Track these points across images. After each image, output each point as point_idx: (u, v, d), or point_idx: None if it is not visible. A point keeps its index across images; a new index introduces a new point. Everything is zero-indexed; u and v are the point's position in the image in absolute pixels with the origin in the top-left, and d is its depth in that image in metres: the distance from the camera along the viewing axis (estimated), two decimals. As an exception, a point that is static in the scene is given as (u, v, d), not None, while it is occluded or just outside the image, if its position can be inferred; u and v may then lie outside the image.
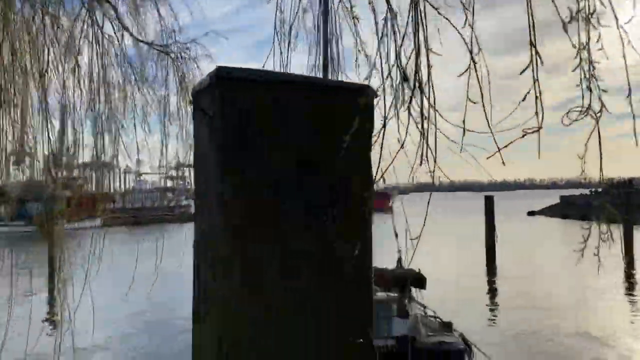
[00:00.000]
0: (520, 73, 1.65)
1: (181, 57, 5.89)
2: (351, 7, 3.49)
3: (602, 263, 2.13)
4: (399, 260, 11.50)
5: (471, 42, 1.68)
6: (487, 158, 1.72)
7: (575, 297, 17.20)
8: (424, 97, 1.77)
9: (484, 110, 1.71)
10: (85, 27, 5.14)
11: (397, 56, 1.88)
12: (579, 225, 2.33)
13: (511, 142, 1.70)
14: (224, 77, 1.94)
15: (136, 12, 5.73)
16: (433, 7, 1.73)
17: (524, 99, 1.68)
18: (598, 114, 1.96)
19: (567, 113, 1.93)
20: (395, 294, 10.48)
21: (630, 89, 1.83)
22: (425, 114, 1.76)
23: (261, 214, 1.98)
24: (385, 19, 1.97)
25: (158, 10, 5.65)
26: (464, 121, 1.75)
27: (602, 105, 1.94)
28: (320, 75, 4.39)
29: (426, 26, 1.74)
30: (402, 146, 1.75)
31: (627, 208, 28.07)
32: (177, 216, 52.76)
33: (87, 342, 10.97)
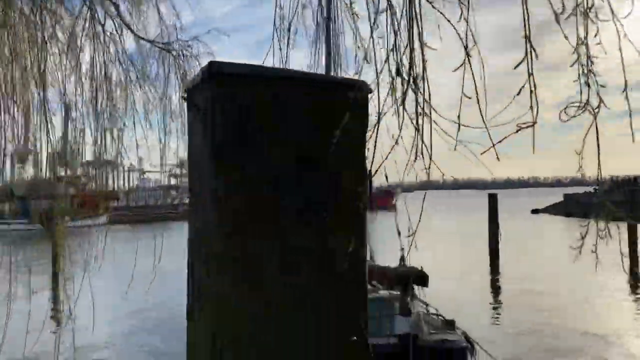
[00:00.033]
0: (515, 67, 1.64)
1: (183, 54, 5.89)
2: (351, 4, 3.48)
3: (601, 261, 2.12)
4: (402, 258, 11.49)
5: (466, 36, 1.67)
6: (482, 153, 1.70)
7: (578, 296, 17.16)
8: (418, 92, 1.75)
9: (479, 106, 1.70)
10: (86, 24, 5.15)
11: (397, 50, 1.86)
12: (583, 224, 2.32)
13: (505, 137, 1.68)
14: (216, 72, 1.93)
15: (137, 9, 5.74)
16: (427, 0, 1.71)
17: (518, 93, 1.67)
18: (596, 110, 1.95)
19: (565, 109, 1.92)
20: (398, 292, 10.47)
21: (626, 83, 1.82)
22: (421, 109, 1.75)
23: (256, 210, 1.97)
24: (387, 14, 1.95)
25: (158, 9, 5.65)
26: (458, 116, 1.73)
27: (600, 100, 1.93)
28: (322, 72, 4.37)
29: (421, 19, 1.73)
30: (396, 142, 1.73)
31: (631, 206, 27.99)
32: (181, 214, 52.86)
33: (89, 340, 11.01)
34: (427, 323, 9.24)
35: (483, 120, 1.68)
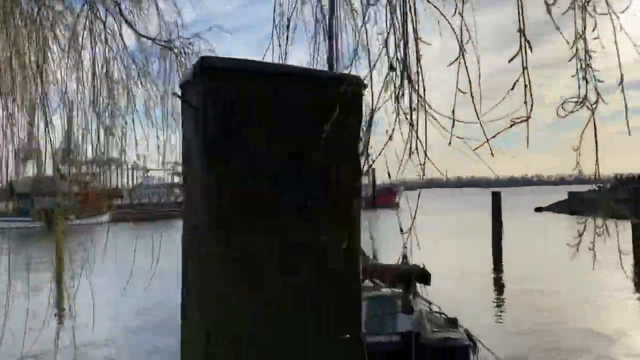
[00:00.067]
0: (509, 61, 1.62)
1: (184, 52, 5.90)
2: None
3: (605, 259, 2.10)
4: (404, 256, 11.47)
5: (461, 30, 1.65)
6: (475, 149, 1.69)
7: (582, 294, 17.10)
8: (412, 88, 1.73)
9: (472, 100, 1.68)
10: (87, 22, 5.14)
11: (397, 46, 1.84)
12: (581, 221, 2.30)
13: (499, 132, 1.67)
14: (208, 67, 1.91)
15: (139, 7, 5.73)
16: (421, -6, 1.70)
17: (512, 88, 1.65)
18: (594, 106, 1.93)
19: (563, 104, 1.90)
20: (400, 290, 10.45)
21: (622, 76, 1.80)
22: (415, 105, 1.73)
23: (247, 206, 1.96)
24: (386, 9, 1.94)
25: (157, 6, 5.65)
26: (453, 111, 1.71)
27: (598, 95, 1.91)
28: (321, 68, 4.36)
29: (415, 14, 1.71)
30: (390, 137, 1.72)
31: (636, 204, 27.84)
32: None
33: (90, 338, 11.03)
34: (429, 321, 9.23)
35: (477, 116, 1.66)
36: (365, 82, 1.92)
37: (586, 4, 1.87)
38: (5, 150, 5.07)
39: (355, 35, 3.53)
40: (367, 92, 2.04)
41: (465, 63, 1.65)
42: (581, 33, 1.87)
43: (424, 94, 1.72)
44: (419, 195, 1.90)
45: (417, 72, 1.73)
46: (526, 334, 12.96)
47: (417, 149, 1.75)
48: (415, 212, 1.80)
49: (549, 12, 1.64)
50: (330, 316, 2.01)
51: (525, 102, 1.64)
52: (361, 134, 2.00)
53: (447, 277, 17.58)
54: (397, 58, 1.75)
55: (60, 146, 6.06)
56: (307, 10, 3.96)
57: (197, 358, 1.94)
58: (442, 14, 1.65)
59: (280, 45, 3.57)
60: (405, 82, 1.71)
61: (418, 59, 1.73)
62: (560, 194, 68.24)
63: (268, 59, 3.62)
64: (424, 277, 10.81)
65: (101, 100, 5.38)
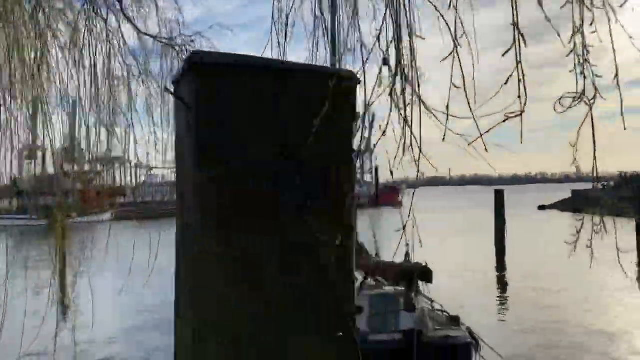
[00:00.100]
0: (503, 55, 1.60)
1: (186, 50, 5.89)
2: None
3: (602, 257, 2.09)
4: (407, 254, 11.44)
5: (455, 25, 1.63)
6: (469, 144, 1.67)
7: (585, 292, 17.05)
8: (406, 83, 1.72)
9: (466, 96, 1.67)
10: (89, 20, 5.14)
11: (398, 41, 1.82)
12: (584, 219, 2.29)
13: (493, 127, 1.65)
14: (198, 62, 1.90)
15: (140, 5, 5.73)
16: (415, -12, 1.68)
17: (506, 82, 1.64)
18: (592, 101, 1.91)
19: (560, 99, 1.88)
20: (403, 288, 10.43)
21: (617, 69, 1.78)
22: (412, 100, 1.71)
23: (239, 205, 1.94)
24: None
25: (156, 4, 5.65)
26: (447, 107, 1.70)
27: (596, 90, 1.89)
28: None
29: (409, 7, 1.69)
30: (383, 133, 1.70)
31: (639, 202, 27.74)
32: (187, 210, 52.75)
33: (90, 336, 11.05)
34: (431, 319, 9.22)
35: (470, 111, 1.64)
36: (359, 77, 1.90)
37: (584, -3, 1.86)
38: (8, 148, 5.08)
39: (353, 31, 3.54)
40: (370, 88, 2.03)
41: (459, 58, 1.64)
42: (579, 27, 1.85)
43: (419, 89, 1.71)
44: (413, 193, 1.88)
45: (411, 65, 1.72)
46: (529, 332, 12.93)
47: (411, 144, 1.73)
48: (410, 211, 1.78)
49: (540, 4, 1.62)
50: (323, 315, 2.00)
51: (519, 97, 1.62)
52: (354, 129, 1.99)
53: (449, 275, 17.56)
54: (388, 42, 1.71)
55: (63, 144, 6.07)
56: (306, 6, 3.96)
57: (189, 356, 1.93)
58: (435, 8, 1.64)
59: (279, 43, 3.56)
60: (399, 76, 1.69)
61: (412, 53, 1.71)
62: (564, 192, 68.03)
63: (267, 55, 3.61)
64: (426, 275, 10.77)
65: (103, 98, 5.38)
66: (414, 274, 10.48)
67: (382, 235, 17.59)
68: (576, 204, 54.56)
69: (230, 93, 1.95)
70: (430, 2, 1.65)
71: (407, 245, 10.78)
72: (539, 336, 12.60)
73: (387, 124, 1.66)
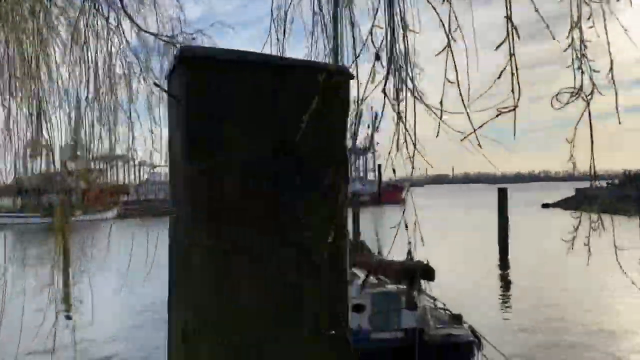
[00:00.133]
0: (496, 48, 1.58)
1: (187, 48, 5.87)
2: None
3: (592, 253, 2.07)
4: (409, 252, 11.42)
5: (449, 19, 1.61)
6: (461, 140, 1.65)
7: (589, 292, 17.00)
8: (400, 78, 1.70)
9: (459, 92, 1.65)
10: (90, 18, 5.14)
11: (394, 34, 1.81)
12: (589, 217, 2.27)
13: (486, 122, 1.63)
14: (188, 56, 1.88)
15: (141, 2, 5.72)
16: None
17: (499, 77, 1.62)
18: (589, 97, 1.89)
19: (557, 95, 1.86)
20: (405, 286, 10.41)
21: (611, 62, 1.76)
22: (406, 96, 1.70)
23: (229, 199, 1.93)
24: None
25: (155, 3, 5.64)
26: (440, 102, 1.68)
27: (594, 86, 1.87)
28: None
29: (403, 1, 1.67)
30: (376, 129, 1.69)
31: (643, 200, 27.64)
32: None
33: (90, 335, 11.06)
34: (433, 317, 9.20)
35: (464, 106, 1.63)
36: (352, 72, 1.88)
37: (582, -8, 1.83)
38: (11, 146, 5.08)
39: (353, 29, 3.52)
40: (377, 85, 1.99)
41: (451, 52, 1.62)
42: (576, 22, 1.83)
43: (413, 83, 1.69)
44: (409, 191, 1.87)
45: (404, 60, 1.70)
46: (531, 331, 12.90)
47: (405, 141, 1.72)
48: (403, 210, 1.77)
49: (534, 5, 1.60)
50: (315, 311, 1.99)
51: (512, 91, 1.60)
52: (348, 124, 1.97)
53: (452, 274, 17.53)
54: (374, 30, 1.68)
55: (66, 142, 6.08)
56: (305, 3, 3.93)
57: (181, 349, 1.93)
58: (428, 1, 1.62)
59: (278, 40, 3.55)
60: (391, 71, 1.68)
61: (405, 47, 1.70)
62: (568, 191, 67.82)
63: (267, 52, 3.59)
64: (428, 273, 10.75)
65: (104, 96, 5.38)
66: (416, 272, 10.46)
67: (384, 233, 17.56)
68: (580, 202, 54.39)
69: (221, 86, 1.93)
70: (424, -4, 1.64)
71: (410, 243, 10.77)
72: (542, 335, 12.57)
73: (380, 120, 1.64)
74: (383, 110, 1.69)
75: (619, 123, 1.78)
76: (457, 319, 9.44)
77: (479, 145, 1.64)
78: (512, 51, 1.56)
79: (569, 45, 1.87)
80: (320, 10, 3.63)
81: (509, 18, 1.55)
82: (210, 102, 1.91)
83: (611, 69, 1.73)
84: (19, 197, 47.75)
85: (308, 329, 1.99)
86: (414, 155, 1.74)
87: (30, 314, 5.60)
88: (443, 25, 1.60)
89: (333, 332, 1.92)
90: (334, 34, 4.82)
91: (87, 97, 5.34)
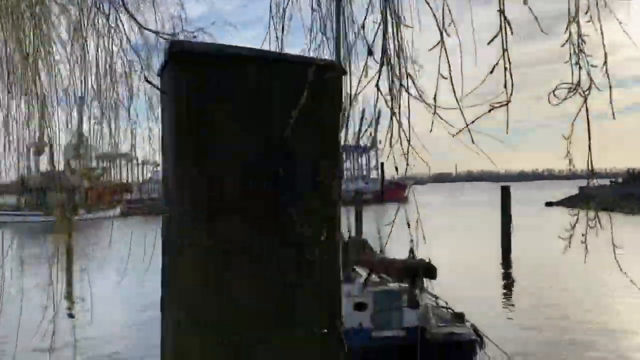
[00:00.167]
0: (489, 43, 1.57)
1: (188, 46, 5.87)
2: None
3: (589, 250, 2.06)
4: (411, 250, 11.41)
5: (442, 13, 1.60)
6: (454, 135, 1.64)
7: (592, 291, 16.95)
8: (393, 74, 1.69)
9: (452, 87, 1.63)
10: (91, 15, 5.14)
11: (386, 30, 1.79)
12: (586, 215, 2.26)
13: (478, 117, 1.62)
14: (178, 51, 1.87)
15: (142, 0, 5.72)
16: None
17: (491, 72, 1.60)
18: (586, 92, 1.87)
19: (554, 90, 1.84)
20: (406, 285, 10.41)
21: (605, 55, 1.75)
22: (400, 91, 1.68)
23: (222, 198, 1.92)
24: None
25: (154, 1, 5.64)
26: (434, 98, 1.67)
27: (591, 81, 1.85)
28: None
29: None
30: (369, 125, 1.68)
31: (647, 199, 27.54)
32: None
33: (90, 333, 11.08)
34: (435, 316, 9.18)
35: (457, 101, 1.61)
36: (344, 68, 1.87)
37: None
38: (16, 145, 5.09)
39: (351, 27, 3.50)
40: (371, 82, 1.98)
41: (444, 46, 1.60)
42: (574, 16, 1.81)
43: (407, 79, 1.68)
44: (408, 189, 1.87)
45: (397, 55, 1.68)
46: (533, 330, 12.88)
47: (399, 137, 1.70)
48: (398, 209, 1.76)
49: (526, 4, 1.58)
50: (309, 311, 1.98)
51: (505, 86, 1.59)
52: (341, 120, 1.95)
53: (454, 272, 17.51)
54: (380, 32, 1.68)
55: (70, 141, 6.08)
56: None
57: (174, 349, 1.92)
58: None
59: (277, 38, 3.54)
60: (385, 67, 1.67)
61: (399, 41, 1.68)
62: (572, 189, 67.65)
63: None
64: (430, 271, 10.74)
65: (105, 94, 5.38)
66: (418, 271, 10.45)
67: (387, 232, 17.54)
68: (583, 201, 54.12)
69: (212, 82, 1.91)
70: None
71: (412, 241, 10.76)
72: (544, 333, 12.55)
73: (378, 116, 1.63)
74: (376, 106, 1.68)
75: (613, 118, 1.77)
76: (459, 317, 9.43)
77: (472, 141, 1.63)
78: (504, 46, 1.55)
79: (566, 40, 1.86)
80: (319, 6, 3.62)
81: (501, 12, 1.53)
82: (201, 97, 1.89)
83: (605, 62, 1.71)
84: (23, 195, 47.91)
85: (304, 329, 1.97)
86: (408, 152, 1.73)
87: (32, 312, 5.61)
88: (436, 19, 1.59)
89: (326, 331, 1.90)
90: (336, 34, 4.81)
91: (89, 95, 5.34)
